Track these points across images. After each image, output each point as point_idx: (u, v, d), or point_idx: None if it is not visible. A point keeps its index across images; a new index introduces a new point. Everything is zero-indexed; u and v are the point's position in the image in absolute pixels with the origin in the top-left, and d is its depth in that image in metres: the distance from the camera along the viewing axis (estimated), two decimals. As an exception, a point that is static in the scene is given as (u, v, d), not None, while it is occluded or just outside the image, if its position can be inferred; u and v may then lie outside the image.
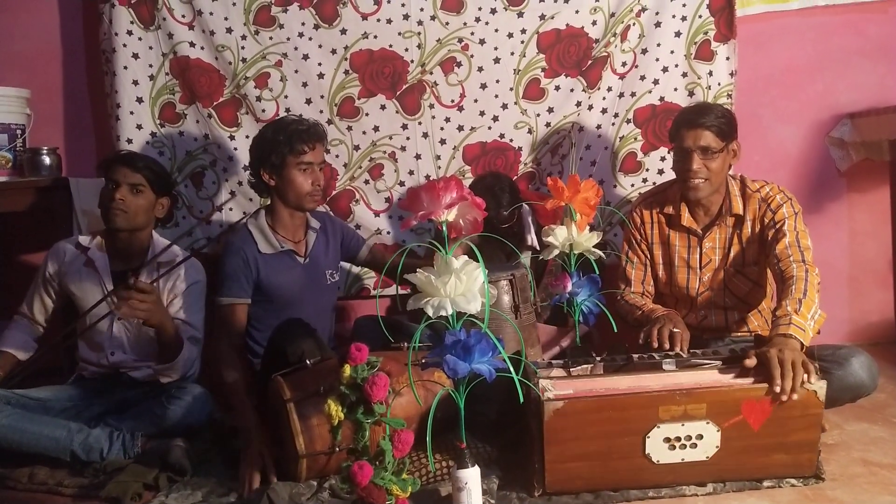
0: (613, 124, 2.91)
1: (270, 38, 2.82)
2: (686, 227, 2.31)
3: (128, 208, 2.31)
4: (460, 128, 2.89)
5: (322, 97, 2.85)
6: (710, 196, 2.25)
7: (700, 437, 1.75)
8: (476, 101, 2.87)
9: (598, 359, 1.99)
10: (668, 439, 1.75)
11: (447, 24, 2.83)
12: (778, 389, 1.70)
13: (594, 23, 2.84)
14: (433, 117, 2.88)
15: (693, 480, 1.79)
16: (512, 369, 1.53)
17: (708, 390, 1.74)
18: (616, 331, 2.05)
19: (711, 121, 2.17)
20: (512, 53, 2.85)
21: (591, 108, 2.88)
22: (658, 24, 2.85)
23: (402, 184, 2.92)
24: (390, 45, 2.83)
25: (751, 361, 1.76)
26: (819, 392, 1.75)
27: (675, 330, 2.01)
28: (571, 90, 2.88)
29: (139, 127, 2.83)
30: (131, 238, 2.35)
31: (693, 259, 2.32)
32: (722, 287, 2.31)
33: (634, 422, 1.74)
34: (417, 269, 1.59)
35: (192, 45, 2.80)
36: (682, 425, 1.74)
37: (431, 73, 2.86)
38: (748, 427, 1.74)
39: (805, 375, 1.72)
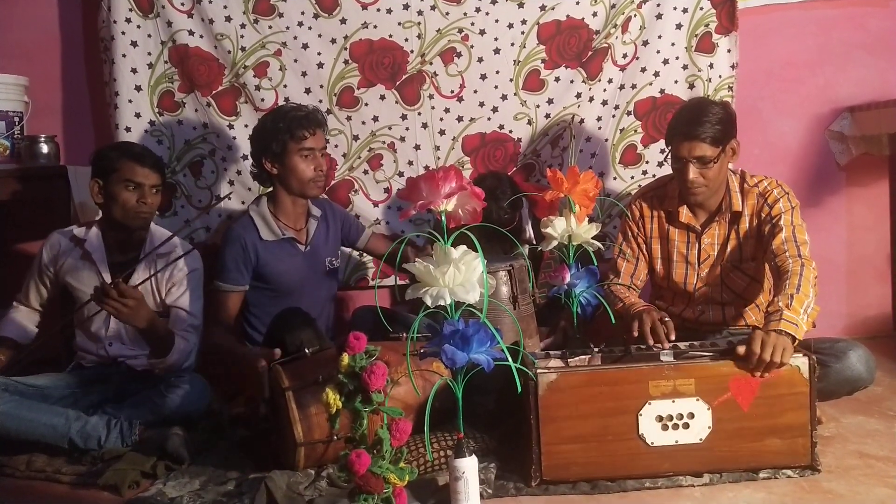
0: (614, 116, 2.91)
1: (270, 27, 2.81)
2: (685, 224, 2.31)
3: (151, 210, 2.33)
4: (460, 118, 2.88)
5: (321, 87, 2.84)
6: (709, 198, 2.25)
7: (691, 415, 1.78)
8: (476, 91, 2.87)
9: (597, 350, 1.99)
10: (660, 418, 1.78)
11: (447, 14, 2.82)
12: (742, 351, 1.75)
13: (595, 14, 2.83)
14: (433, 108, 2.87)
15: (689, 469, 1.80)
16: (510, 359, 1.53)
17: (696, 365, 1.80)
18: (614, 322, 2.06)
19: (706, 130, 2.11)
20: (512, 44, 2.84)
21: (591, 99, 2.88)
22: (659, 16, 2.84)
23: (401, 174, 2.91)
24: (390, 35, 2.83)
25: (742, 349, 1.78)
26: (801, 368, 1.78)
27: (667, 319, 2.03)
28: (571, 81, 2.87)
29: (138, 115, 2.81)
30: (132, 231, 2.35)
31: (692, 255, 2.32)
32: (719, 282, 2.31)
33: (626, 398, 1.78)
34: (416, 259, 1.59)
35: (191, 33, 2.79)
36: (673, 402, 1.77)
37: (431, 64, 2.85)
38: (738, 408, 1.78)
39: (782, 354, 1.75)
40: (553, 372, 1.77)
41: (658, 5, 2.83)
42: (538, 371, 1.77)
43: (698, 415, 1.78)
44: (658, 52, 2.86)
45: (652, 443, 1.78)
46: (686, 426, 1.78)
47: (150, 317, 2.16)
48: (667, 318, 2.04)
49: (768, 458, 1.80)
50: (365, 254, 2.84)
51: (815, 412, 1.80)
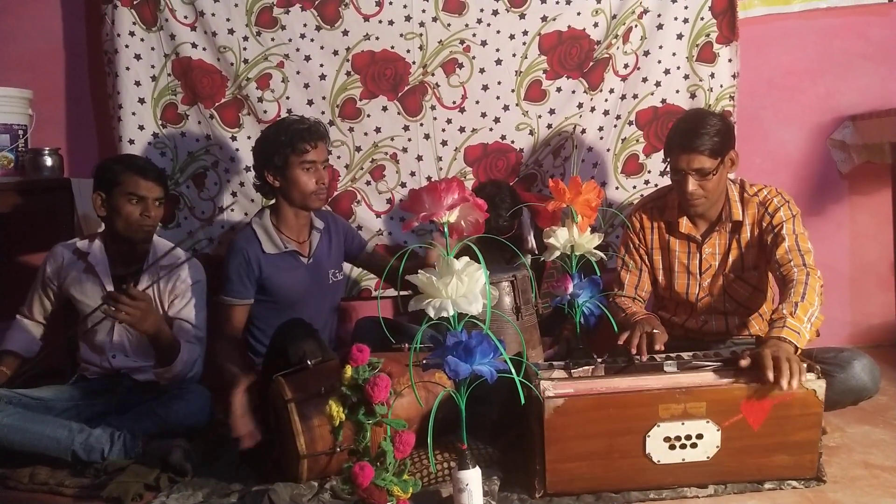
0: (615, 126, 2.91)
1: (272, 40, 2.82)
2: (685, 234, 2.31)
3: (154, 222, 2.34)
4: (462, 129, 2.89)
5: (324, 98, 2.85)
6: (709, 209, 2.25)
7: (700, 436, 1.75)
8: (477, 102, 2.88)
9: (600, 360, 1.99)
10: (668, 438, 1.75)
11: (449, 25, 2.83)
12: (771, 377, 1.69)
13: (596, 24, 2.84)
14: (435, 118, 2.88)
15: (694, 481, 1.79)
16: (513, 370, 1.53)
17: (708, 389, 1.75)
18: (618, 333, 2.05)
19: (705, 143, 2.11)
20: (513, 55, 2.86)
21: (592, 109, 2.88)
22: (660, 26, 2.85)
23: (403, 185, 2.92)
24: (392, 47, 2.84)
25: (745, 362, 1.76)
26: (818, 391, 1.75)
27: (654, 331, 2.01)
28: (573, 92, 2.88)
29: (141, 128, 2.83)
30: (135, 244, 2.35)
31: (693, 265, 2.31)
32: (721, 292, 2.31)
33: (635, 420, 1.75)
34: (419, 271, 1.59)
35: (194, 46, 2.81)
36: (683, 424, 1.75)
37: (433, 75, 2.86)
38: (748, 427, 1.75)
39: (798, 371, 1.71)
40: (560, 397, 1.72)
41: (659, 15, 2.84)
42: (545, 395, 1.73)
43: (707, 435, 1.75)
44: (659, 61, 2.87)
45: (658, 461, 1.76)
46: (694, 445, 1.76)
47: (157, 322, 2.17)
48: (655, 331, 2.02)
49: (774, 471, 1.79)
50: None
51: (821, 423, 1.80)
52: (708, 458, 1.77)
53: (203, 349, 2.34)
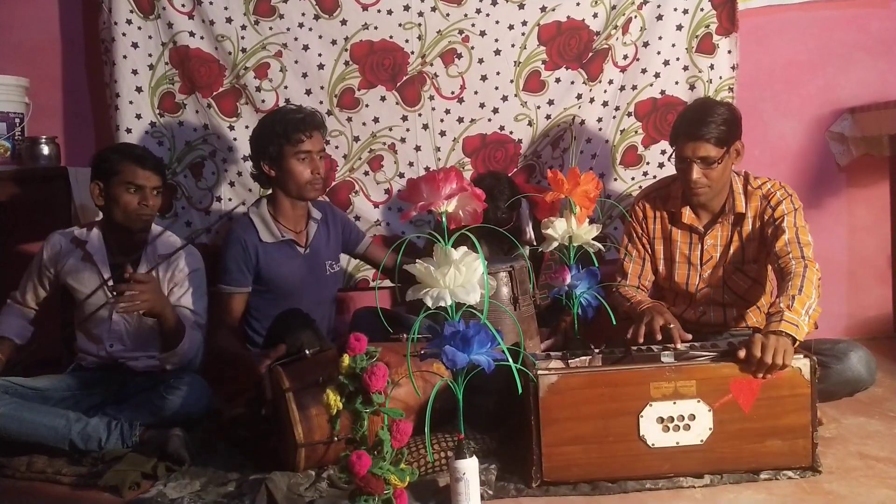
0: (614, 117, 2.91)
1: (270, 29, 2.81)
2: (688, 225, 2.31)
3: (152, 212, 2.33)
4: (460, 119, 2.88)
5: (322, 88, 2.84)
6: (712, 199, 2.25)
7: (692, 417, 1.78)
8: (476, 92, 2.87)
9: (597, 351, 1.99)
10: (661, 419, 1.77)
11: (448, 15, 2.82)
12: (744, 354, 1.74)
13: (595, 15, 2.83)
14: (433, 109, 2.88)
15: (690, 470, 1.80)
16: (511, 360, 1.53)
17: (697, 367, 1.80)
18: (615, 324, 2.06)
19: (711, 131, 2.11)
20: (512, 45, 2.85)
21: (592, 100, 2.88)
22: (660, 17, 2.84)
23: (401, 175, 2.91)
24: (391, 37, 2.83)
25: (742, 353, 1.77)
26: (803, 370, 1.77)
27: (670, 326, 2.02)
28: (572, 83, 2.87)
29: (138, 116, 2.82)
30: (133, 233, 2.35)
31: (694, 256, 2.32)
32: (721, 284, 2.31)
33: (627, 400, 1.78)
34: (417, 260, 1.59)
35: (191, 34, 2.79)
36: (674, 403, 1.77)
37: (432, 65, 2.85)
38: (739, 409, 1.78)
39: (783, 356, 1.74)
40: (554, 374, 1.77)
41: (658, 6, 2.83)
42: (539, 373, 1.76)
43: (699, 416, 1.78)
44: (658, 53, 2.86)
45: (653, 444, 1.78)
46: (687, 427, 1.78)
47: (165, 303, 2.18)
48: (672, 325, 2.02)
49: (769, 459, 1.80)
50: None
51: (816, 413, 1.80)
52: (702, 441, 1.78)
53: (204, 336, 2.34)
